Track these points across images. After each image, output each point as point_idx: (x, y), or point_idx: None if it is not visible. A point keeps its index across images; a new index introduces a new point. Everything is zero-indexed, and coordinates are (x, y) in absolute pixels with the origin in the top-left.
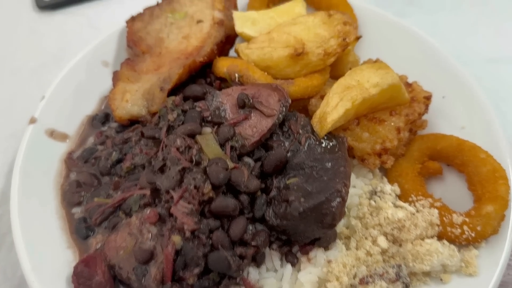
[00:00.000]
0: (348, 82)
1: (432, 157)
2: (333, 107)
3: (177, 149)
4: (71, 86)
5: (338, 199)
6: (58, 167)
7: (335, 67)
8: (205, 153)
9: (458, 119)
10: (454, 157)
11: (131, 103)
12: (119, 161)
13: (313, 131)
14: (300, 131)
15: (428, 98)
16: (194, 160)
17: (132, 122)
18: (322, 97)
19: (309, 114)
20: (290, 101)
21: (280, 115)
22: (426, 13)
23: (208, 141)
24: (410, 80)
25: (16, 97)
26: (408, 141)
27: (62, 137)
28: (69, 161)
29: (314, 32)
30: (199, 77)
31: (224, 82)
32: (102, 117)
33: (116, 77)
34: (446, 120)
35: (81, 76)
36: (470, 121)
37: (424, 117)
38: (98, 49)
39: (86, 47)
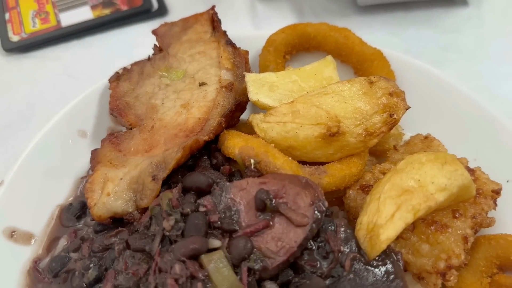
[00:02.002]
0: (406, 183)
1: (503, 267)
2: (388, 219)
3: (176, 280)
4: (38, 165)
5: None
6: (21, 281)
7: None
8: (214, 284)
9: None
10: None
11: (113, 196)
12: (99, 279)
13: (359, 249)
14: (342, 248)
15: (497, 191)
16: None
17: (116, 219)
18: (362, 188)
19: (344, 209)
20: (326, 204)
21: (314, 225)
22: (467, 62)
23: (218, 265)
24: (471, 164)
25: None
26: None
27: (26, 238)
28: (35, 273)
29: (352, 105)
30: (201, 155)
31: (233, 164)
32: (77, 209)
33: (95, 159)
34: None
35: (51, 151)
36: None
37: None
38: (73, 114)
39: (57, 113)
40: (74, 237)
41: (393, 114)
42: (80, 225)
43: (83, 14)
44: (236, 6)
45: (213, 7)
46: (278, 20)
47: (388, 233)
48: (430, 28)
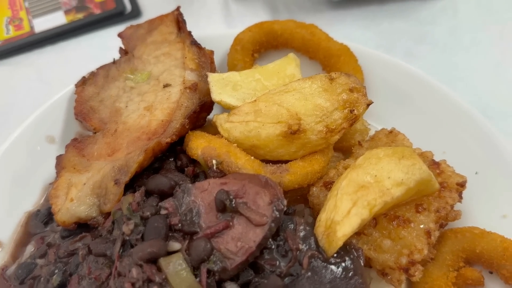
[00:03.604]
0: (362, 178)
1: (469, 261)
2: (344, 215)
3: (133, 284)
4: (6, 172)
5: None
6: None
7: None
8: (172, 286)
9: (498, 204)
10: (499, 266)
11: (77, 202)
12: (63, 284)
13: (318, 246)
14: (301, 246)
15: (462, 184)
16: None
17: (81, 224)
18: (325, 184)
19: (309, 207)
20: (285, 202)
21: (273, 224)
22: (441, 53)
23: (176, 267)
24: (436, 157)
25: None
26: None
27: None
28: (1, 281)
29: (312, 102)
30: (167, 157)
31: (199, 165)
32: (45, 215)
33: (60, 165)
34: (482, 205)
35: (19, 158)
36: None
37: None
38: (41, 120)
39: (26, 120)
40: (41, 243)
41: (354, 110)
42: (47, 231)
43: (57, 19)
44: (209, 5)
45: (178, 8)
46: (252, 19)
47: (344, 230)
48: (404, 21)
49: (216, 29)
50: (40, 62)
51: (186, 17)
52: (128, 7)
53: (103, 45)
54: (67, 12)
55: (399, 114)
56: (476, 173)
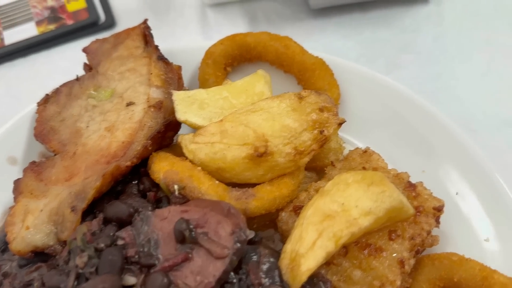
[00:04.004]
0: (329, 207)
1: None
2: (309, 247)
3: None
4: None
5: None
6: None
7: (312, 157)
8: None
9: (479, 227)
10: None
11: (33, 230)
12: None
13: (282, 280)
14: (263, 280)
15: (439, 209)
16: None
17: (39, 252)
18: (295, 209)
19: (279, 232)
20: (248, 233)
21: (234, 257)
22: (425, 62)
23: None
24: (414, 176)
25: None
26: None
27: None
28: None
29: (280, 123)
30: (130, 180)
31: (163, 190)
32: (2, 242)
33: (18, 189)
34: (463, 227)
35: None
36: (496, 230)
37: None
38: (2, 140)
39: None
40: None
41: (324, 131)
42: (5, 260)
43: (28, 31)
44: (187, 14)
45: (145, 21)
46: (229, 28)
47: (308, 264)
48: (387, 29)
49: (189, 41)
50: (10, 75)
51: (162, 26)
52: (102, 17)
53: (76, 58)
54: (38, 23)
55: (377, 130)
56: (456, 193)
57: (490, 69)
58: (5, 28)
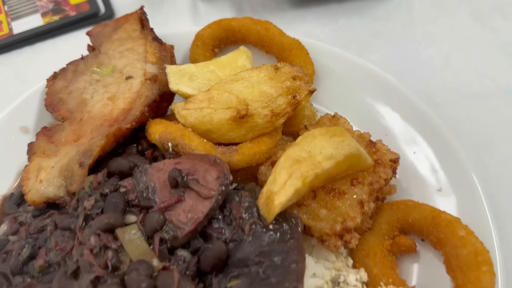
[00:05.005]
0: (298, 154)
1: (403, 230)
2: (281, 186)
3: (91, 250)
4: None
5: None
6: None
7: (289, 123)
8: (127, 253)
9: (433, 180)
10: (429, 233)
11: (46, 183)
12: (32, 257)
13: (259, 215)
14: (244, 215)
15: (395, 161)
16: (109, 265)
17: (50, 204)
18: (272, 163)
19: (259, 185)
20: (231, 178)
21: (219, 197)
22: (393, 47)
23: (131, 236)
24: (374, 137)
25: None
26: (375, 210)
27: None
28: None
29: (259, 89)
30: (130, 143)
31: (158, 150)
32: (18, 197)
33: (31, 151)
34: (419, 181)
35: None
36: (448, 181)
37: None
38: (15, 112)
39: (1, 112)
40: (14, 222)
41: (296, 96)
42: (20, 212)
43: (34, 21)
44: (179, 5)
45: (141, 8)
46: (218, 17)
47: (280, 198)
48: (360, 18)
49: (181, 27)
50: (18, 61)
51: (156, 16)
52: (102, 9)
53: (79, 45)
54: (44, 14)
55: (345, 100)
56: (414, 152)
57: (451, 52)
58: (13, 19)
